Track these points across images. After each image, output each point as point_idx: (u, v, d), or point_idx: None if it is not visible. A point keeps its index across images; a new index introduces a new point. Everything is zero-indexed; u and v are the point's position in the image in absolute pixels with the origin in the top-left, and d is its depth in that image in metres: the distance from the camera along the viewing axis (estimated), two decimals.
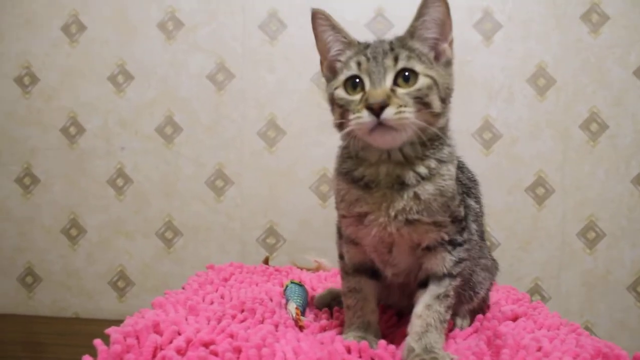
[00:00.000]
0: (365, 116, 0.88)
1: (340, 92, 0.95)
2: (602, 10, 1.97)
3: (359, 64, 0.93)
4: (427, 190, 0.93)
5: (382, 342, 0.91)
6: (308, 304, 1.22)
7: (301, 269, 1.73)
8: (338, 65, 1.00)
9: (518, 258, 2.01)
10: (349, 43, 1.00)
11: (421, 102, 0.89)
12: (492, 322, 1.09)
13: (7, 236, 2.14)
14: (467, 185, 1.11)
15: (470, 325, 1.12)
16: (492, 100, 2.01)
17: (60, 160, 2.11)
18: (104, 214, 2.11)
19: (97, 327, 0.96)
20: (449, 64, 0.99)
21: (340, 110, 0.95)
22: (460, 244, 1.00)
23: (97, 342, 0.91)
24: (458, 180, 1.01)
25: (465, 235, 1.02)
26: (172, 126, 2.08)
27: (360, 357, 0.86)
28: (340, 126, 0.96)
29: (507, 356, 0.86)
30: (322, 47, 1.04)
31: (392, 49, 0.93)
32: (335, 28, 1.02)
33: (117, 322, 0.97)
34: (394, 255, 1.01)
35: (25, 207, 2.13)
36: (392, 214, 0.94)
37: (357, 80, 0.93)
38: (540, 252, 2.01)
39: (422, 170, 0.94)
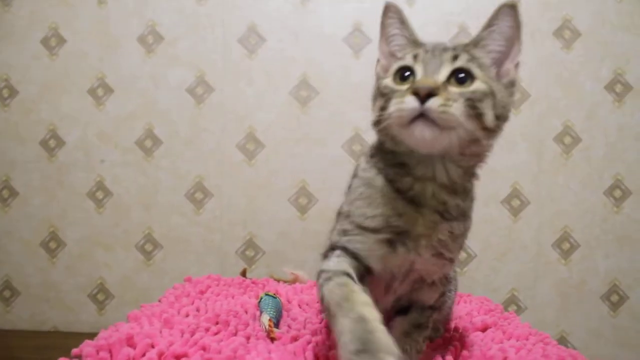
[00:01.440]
0: (409, 101, 0.77)
1: (388, 82, 0.85)
2: (574, 27, 2.02)
3: (415, 56, 0.84)
4: (459, 228, 0.88)
5: None
6: (282, 315, 1.24)
7: (278, 281, 1.74)
8: (394, 60, 0.89)
9: (494, 269, 2.04)
10: (413, 42, 0.89)
11: (473, 106, 0.78)
12: (460, 333, 1.11)
13: None
14: None
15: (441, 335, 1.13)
16: None
17: (40, 173, 2.11)
18: (83, 226, 2.11)
19: (76, 340, 0.96)
20: (512, 84, 0.87)
21: (383, 99, 0.84)
22: (449, 279, 0.99)
23: None
24: None
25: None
26: (152, 139, 2.09)
27: None
28: (377, 123, 0.84)
29: None
30: (384, 43, 0.93)
31: (454, 48, 0.85)
32: (403, 23, 0.91)
33: (96, 335, 0.98)
34: (398, 283, 0.92)
35: (4, 220, 2.12)
36: (433, 242, 0.86)
37: (409, 72, 0.84)
38: (516, 263, 2.04)
39: (461, 204, 0.87)
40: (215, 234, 2.08)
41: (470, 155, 0.84)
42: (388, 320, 0.92)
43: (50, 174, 2.11)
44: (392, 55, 0.91)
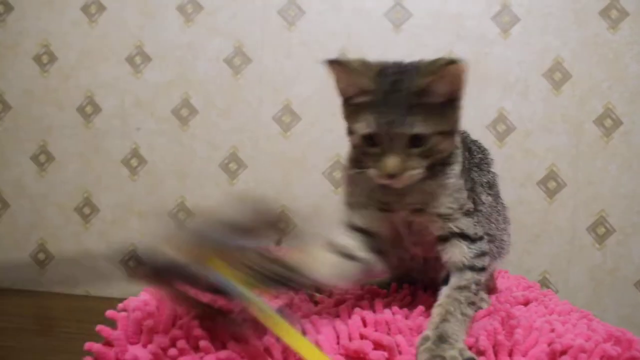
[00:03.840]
0: (381, 178, 0.93)
1: (359, 142, 0.97)
2: (621, 7, 1.97)
3: (375, 121, 0.92)
4: (430, 186, 0.98)
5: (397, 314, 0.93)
6: None
7: None
8: (355, 103, 0.97)
9: (527, 251, 2.02)
10: (365, 89, 0.95)
11: (431, 154, 0.94)
12: (504, 305, 1.10)
13: (21, 212, 2.17)
14: (478, 163, 1.15)
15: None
16: (507, 93, 2.01)
17: (76, 139, 2.14)
18: (117, 193, 2.13)
19: (107, 304, 0.97)
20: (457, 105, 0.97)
21: (359, 152, 0.99)
22: (480, 238, 1.02)
23: (111, 313, 0.92)
24: (466, 172, 1.04)
25: (485, 226, 1.05)
26: (188, 108, 2.10)
27: (376, 330, 0.87)
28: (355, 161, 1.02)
29: (521, 336, 0.87)
30: (341, 91, 1.02)
31: (401, 111, 0.91)
32: (350, 74, 0.97)
33: (126, 300, 0.98)
34: (412, 237, 1.06)
35: (40, 184, 2.16)
36: (404, 204, 1.00)
37: (373, 138, 0.94)
38: (549, 246, 2.02)
39: (428, 174, 0.97)
40: None
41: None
42: (434, 269, 1.06)
43: (87, 140, 2.13)
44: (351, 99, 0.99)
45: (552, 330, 0.93)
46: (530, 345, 0.86)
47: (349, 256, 1.02)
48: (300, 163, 2.06)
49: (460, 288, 0.96)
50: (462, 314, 0.91)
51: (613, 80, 1.99)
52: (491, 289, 1.28)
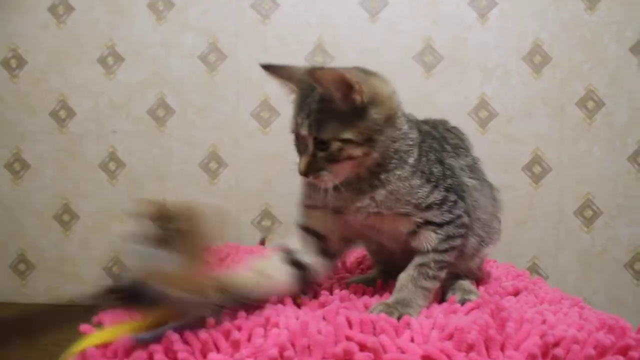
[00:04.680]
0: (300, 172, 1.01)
1: (294, 141, 1.06)
2: None
3: (292, 123, 1.03)
4: (380, 194, 1.02)
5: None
6: None
7: None
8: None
9: (515, 237, 2.00)
10: (294, 92, 1.06)
11: (338, 159, 0.98)
12: (493, 297, 1.08)
13: None
14: (453, 149, 1.17)
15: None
16: (487, 79, 1.99)
17: (51, 144, 2.08)
18: (96, 198, 2.09)
19: (92, 313, 0.95)
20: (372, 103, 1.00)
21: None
22: (448, 222, 1.05)
23: (85, 327, 0.90)
24: (431, 166, 1.06)
25: (457, 211, 1.06)
26: (164, 108, 2.05)
27: (361, 331, 0.84)
28: None
29: (512, 329, 0.85)
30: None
31: (308, 115, 0.98)
32: (283, 77, 1.09)
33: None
34: (385, 237, 1.11)
35: (16, 192, 2.10)
36: (355, 208, 1.04)
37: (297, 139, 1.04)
38: (537, 231, 2.01)
39: (374, 182, 1.03)
40: (231, 204, 2.05)
41: (371, 166, 1.02)
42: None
43: (62, 146, 2.08)
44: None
45: (544, 322, 0.91)
46: (522, 339, 0.84)
47: (295, 262, 1.07)
48: (281, 159, 2.02)
49: (419, 265, 1.04)
50: (416, 286, 1.02)
51: (593, 62, 1.97)
52: (480, 279, 1.26)
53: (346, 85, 0.94)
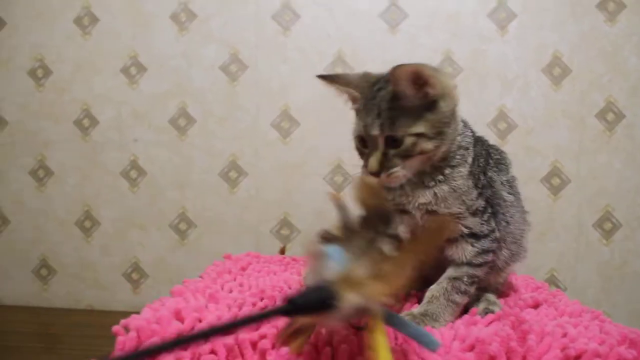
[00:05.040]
0: (369, 176, 1.03)
1: (356, 144, 1.10)
2: None
3: (359, 125, 1.06)
4: (442, 189, 1.06)
5: None
6: None
7: None
8: (355, 109, 1.11)
9: (534, 249, 1.95)
10: (356, 95, 1.09)
11: (411, 155, 1.01)
12: (514, 309, 1.08)
13: (21, 228, 2.15)
14: (496, 164, 1.20)
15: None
16: (507, 90, 1.99)
17: (74, 152, 2.12)
18: (117, 206, 2.12)
19: (111, 318, 0.96)
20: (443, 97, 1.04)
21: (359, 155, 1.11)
22: (485, 235, 1.08)
23: (116, 329, 0.91)
24: (479, 172, 1.10)
25: (493, 224, 1.09)
26: (186, 118, 2.08)
27: None
28: None
29: (534, 342, 0.85)
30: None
31: (379, 114, 1.01)
32: (345, 82, 1.12)
33: (132, 314, 0.96)
34: None
35: (39, 199, 2.14)
36: (416, 204, 1.07)
37: (363, 140, 1.07)
38: (556, 243, 2.00)
39: (439, 177, 1.07)
40: (250, 213, 2.07)
41: (438, 160, 1.06)
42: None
43: (85, 154, 2.11)
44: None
45: (565, 335, 0.91)
46: (544, 351, 0.84)
47: None
48: (301, 169, 2.05)
49: (452, 279, 1.06)
50: (448, 300, 1.04)
51: (613, 74, 1.97)
52: (501, 293, 1.26)
53: (422, 79, 0.98)
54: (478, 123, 1.94)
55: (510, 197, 1.18)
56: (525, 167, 1.99)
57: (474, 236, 1.07)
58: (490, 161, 1.18)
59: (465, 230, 1.07)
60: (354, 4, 2.02)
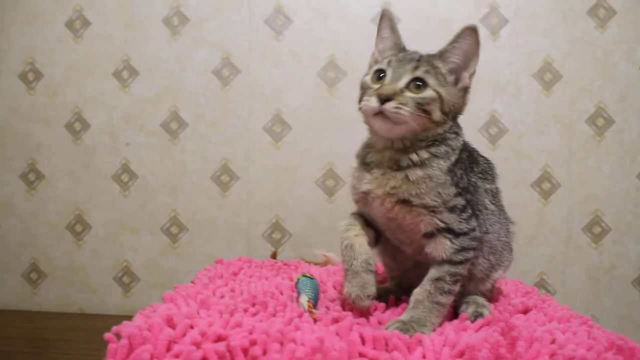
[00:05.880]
0: (372, 102, 1.05)
1: (367, 79, 1.13)
2: (609, 5, 1.96)
3: (389, 62, 1.10)
4: (416, 173, 1.07)
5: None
6: (319, 297, 1.22)
7: (309, 263, 1.73)
8: (379, 58, 1.18)
9: (523, 253, 2.01)
10: (396, 46, 1.17)
11: (422, 108, 1.05)
12: (503, 315, 1.09)
13: (11, 232, 2.14)
14: (481, 172, 1.22)
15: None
16: (498, 95, 2.01)
17: (65, 156, 2.11)
18: (109, 209, 2.11)
19: (102, 322, 0.95)
20: (465, 90, 1.14)
21: (362, 93, 1.13)
22: (464, 233, 1.08)
23: (108, 336, 0.90)
24: (461, 174, 1.11)
25: (473, 223, 1.09)
26: (178, 121, 2.08)
27: (374, 347, 0.86)
28: (359, 109, 1.12)
29: (523, 348, 0.86)
30: (378, 41, 1.20)
31: (418, 60, 1.09)
32: (393, 29, 1.18)
33: (123, 318, 0.96)
34: (403, 234, 1.15)
35: (30, 203, 2.13)
36: (387, 189, 1.08)
37: (382, 74, 1.10)
38: (545, 247, 2.01)
39: (414, 157, 1.08)
40: (242, 216, 2.07)
41: (424, 137, 1.09)
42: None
43: (76, 157, 2.11)
44: (381, 52, 1.19)
45: (553, 341, 0.92)
46: (532, 358, 0.85)
47: None
48: (293, 173, 2.05)
49: (434, 280, 1.06)
50: (432, 302, 1.04)
51: (603, 79, 1.98)
52: (490, 299, 1.27)
53: (475, 60, 1.12)
54: (469, 128, 1.96)
55: (491, 207, 1.19)
56: (516, 172, 2.00)
57: (452, 232, 1.07)
58: (476, 168, 1.20)
59: (442, 225, 1.07)
60: (346, 9, 2.02)
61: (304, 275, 1.23)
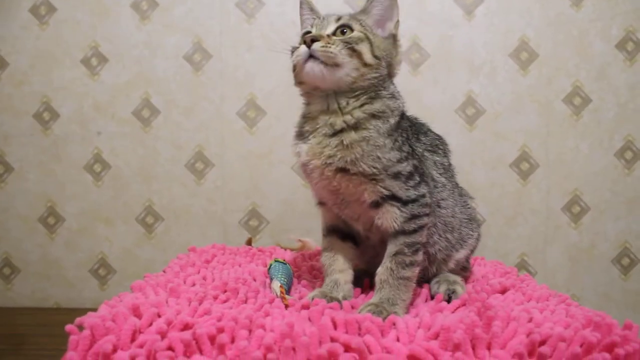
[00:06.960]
0: (301, 48, 1.07)
1: (296, 44, 1.13)
2: None
3: (313, 23, 1.15)
4: (350, 136, 1.03)
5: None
6: (292, 282, 1.20)
7: (285, 249, 1.70)
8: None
9: (503, 234, 2.00)
10: (317, 17, 1.18)
11: (351, 48, 1.05)
12: (480, 295, 1.07)
13: None
14: (430, 144, 1.21)
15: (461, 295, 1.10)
16: (474, 76, 1.98)
17: (35, 147, 2.05)
18: (82, 200, 2.06)
19: (79, 316, 0.92)
20: (393, 37, 1.15)
21: (293, 63, 1.12)
22: (413, 200, 1.04)
23: (70, 328, 0.87)
24: (404, 140, 1.09)
25: (422, 190, 1.06)
26: (149, 109, 2.03)
27: (346, 332, 0.83)
28: (294, 78, 1.15)
29: (499, 328, 0.84)
30: (302, 27, 1.22)
31: (340, 16, 1.12)
32: (312, 10, 1.22)
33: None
34: (349, 208, 1.11)
35: (0, 196, 2.07)
36: (323, 158, 1.05)
37: (309, 33, 1.10)
38: (525, 227, 2.01)
39: (348, 118, 1.06)
40: (218, 204, 2.04)
41: (360, 89, 1.08)
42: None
43: (46, 148, 2.05)
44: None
45: (530, 320, 0.90)
46: (509, 337, 0.83)
47: None
48: (268, 158, 2.02)
49: (393, 255, 1.04)
50: (397, 278, 1.01)
51: (580, 58, 1.97)
52: (466, 278, 1.26)
53: (395, 11, 1.13)
54: (446, 109, 1.96)
55: (441, 180, 1.18)
56: (494, 153, 1.99)
57: (399, 200, 1.04)
58: (424, 139, 1.19)
59: (385, 192, 1.04)
60: None
61: (276, 261, 1.21)
